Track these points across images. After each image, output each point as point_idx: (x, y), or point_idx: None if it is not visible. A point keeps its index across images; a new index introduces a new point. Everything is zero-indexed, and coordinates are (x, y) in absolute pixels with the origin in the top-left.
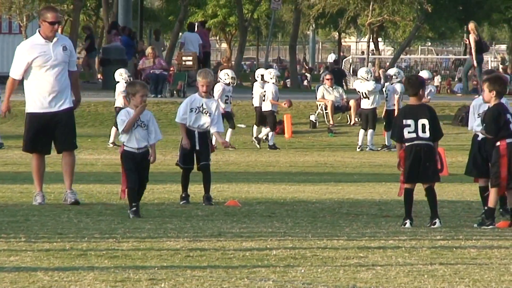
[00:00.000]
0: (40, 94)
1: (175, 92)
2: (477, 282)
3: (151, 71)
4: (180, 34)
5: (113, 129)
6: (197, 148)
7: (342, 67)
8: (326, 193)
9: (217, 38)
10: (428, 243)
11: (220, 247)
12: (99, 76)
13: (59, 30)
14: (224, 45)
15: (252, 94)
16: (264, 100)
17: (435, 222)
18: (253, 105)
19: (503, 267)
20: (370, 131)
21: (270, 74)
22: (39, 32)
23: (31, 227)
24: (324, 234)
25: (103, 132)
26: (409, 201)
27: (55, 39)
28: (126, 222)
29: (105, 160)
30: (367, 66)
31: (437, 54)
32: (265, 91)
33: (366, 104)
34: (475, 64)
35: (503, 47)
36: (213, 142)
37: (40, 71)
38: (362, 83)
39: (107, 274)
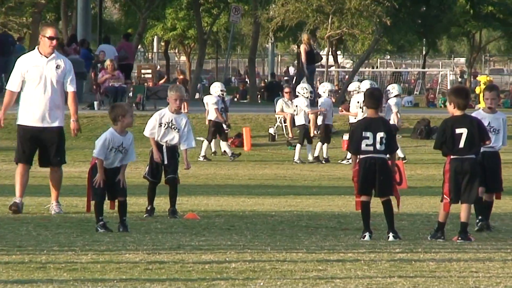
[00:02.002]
0: (30, 109)
1: (134, 105)
2: None
3: (110, 84)
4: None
5: (205, 142)
6: (165, 162)
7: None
8: (285, 206)
9: (176, 51)
10: (387, 256)
11: (179, 260)
12: None
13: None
14: (183, 58)
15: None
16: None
17: (388, 236)
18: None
19: (462, 280)
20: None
21: (323, 88)
22: (37, 48)
23: None
24: (283, 247)
25: None
26: (366, 214)
27: (51, 56)
28: (85, 235)
29: (65, 173)
30: (326, 79)
31: (396, 67)
32: (325, 109)
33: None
34: (307, 73)
35: (462, 60)
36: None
37: (32, 85)
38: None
39: (66, 287)
